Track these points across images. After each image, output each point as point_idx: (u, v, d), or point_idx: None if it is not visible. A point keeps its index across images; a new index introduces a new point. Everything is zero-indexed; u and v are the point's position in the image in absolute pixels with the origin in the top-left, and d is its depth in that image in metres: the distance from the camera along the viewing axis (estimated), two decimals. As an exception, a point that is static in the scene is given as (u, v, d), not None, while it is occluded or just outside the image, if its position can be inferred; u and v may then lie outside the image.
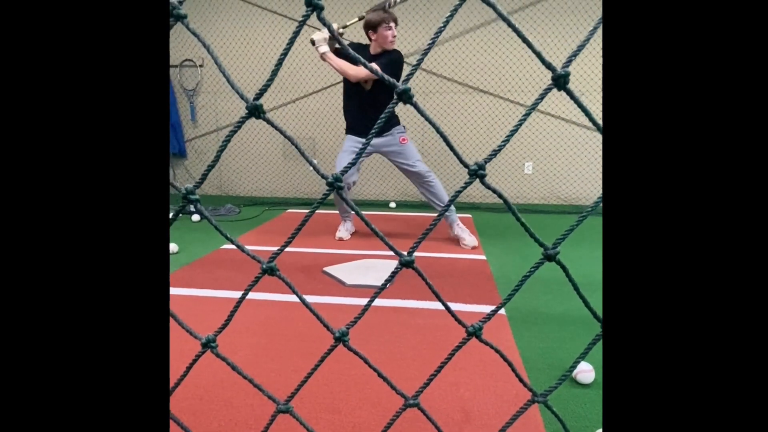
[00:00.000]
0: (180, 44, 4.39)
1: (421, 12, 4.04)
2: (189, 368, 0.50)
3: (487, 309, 1.93)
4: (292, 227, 3.29)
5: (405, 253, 0.46)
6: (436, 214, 3.10)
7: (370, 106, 2.70)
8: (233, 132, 0.42)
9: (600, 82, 4.01)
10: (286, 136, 0.43)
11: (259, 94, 0.40)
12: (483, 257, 2.65)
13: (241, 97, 0.40)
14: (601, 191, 0.44)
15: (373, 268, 2.43)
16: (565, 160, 4.21)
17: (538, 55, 0.39)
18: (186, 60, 4.43)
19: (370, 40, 2.62)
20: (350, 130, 2.85)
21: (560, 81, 0.39)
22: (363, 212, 2.96)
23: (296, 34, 0.40)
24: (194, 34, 0.41)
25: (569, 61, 0.39)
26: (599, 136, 4.03)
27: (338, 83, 4.27)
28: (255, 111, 0.40)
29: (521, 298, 2.05)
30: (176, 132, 4.50)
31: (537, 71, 4.05)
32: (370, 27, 2.56)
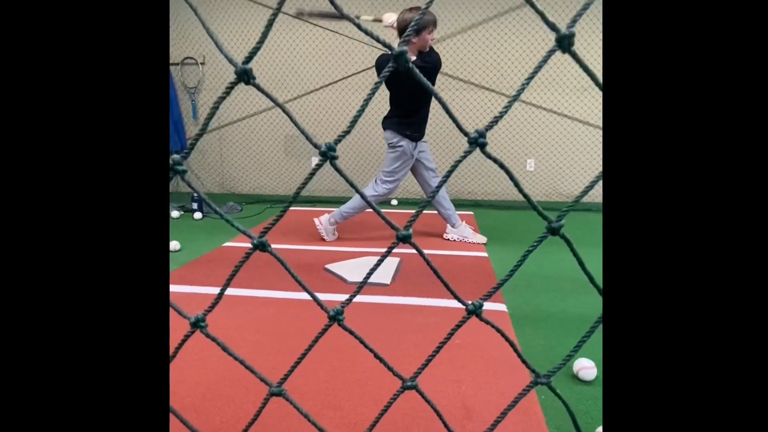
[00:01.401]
0: (181, 42, 4.39)
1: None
2: (179, 347, 0.48)
3: (489, 306, 1.91)
4: (294, 225, 3.28)
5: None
6: (435, 212, 3.09)
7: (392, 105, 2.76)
8: (222, 98, 0.40)
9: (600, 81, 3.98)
10: (277, 104, 0.41)
11: (248, 58, 0.39)
12: (485, 254, 2.62)
13: (230, 61, 0.38)
14: (602, 188, 0.42)
15: (374, 265, 2.42)
16: (567, 156, 4.18)
17: (541, 14, 0.37)
18: (187, 58, 4.42)
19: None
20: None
21: (564, 42, 0.37)
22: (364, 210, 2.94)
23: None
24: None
25: (574, 22, 0.37)
26: (600, 133, 4.01)
27: (339, 81, 4.25)
28: (244, 75, 0.38)
29: (523, 295, 2.03)
30: (178, 129, 4.49)
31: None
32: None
